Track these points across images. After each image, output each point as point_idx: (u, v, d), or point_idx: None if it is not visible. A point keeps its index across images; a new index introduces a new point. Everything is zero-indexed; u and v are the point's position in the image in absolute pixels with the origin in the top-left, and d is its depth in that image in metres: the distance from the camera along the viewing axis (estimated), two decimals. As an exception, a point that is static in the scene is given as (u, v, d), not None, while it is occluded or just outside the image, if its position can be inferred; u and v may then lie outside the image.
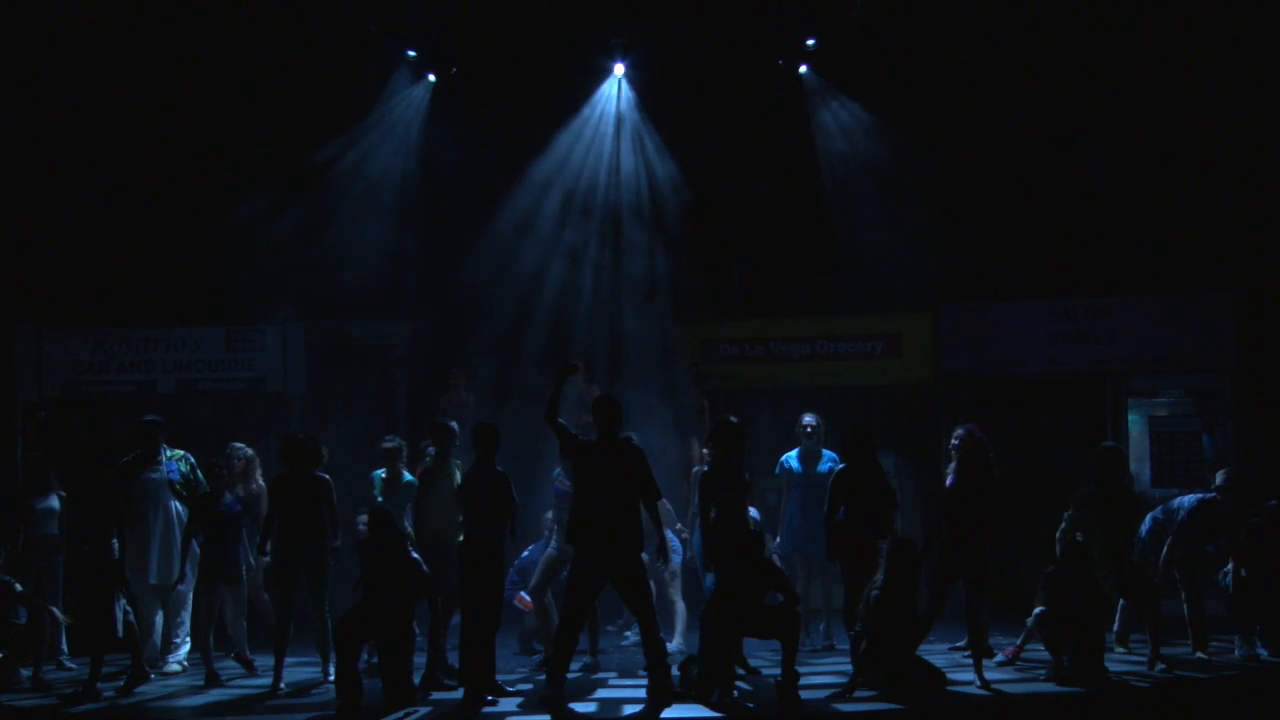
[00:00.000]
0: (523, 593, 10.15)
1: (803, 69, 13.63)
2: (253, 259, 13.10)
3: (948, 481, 9.20)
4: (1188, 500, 9.77)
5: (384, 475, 10.27)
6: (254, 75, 14.19)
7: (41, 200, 13.64)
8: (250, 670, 9.73)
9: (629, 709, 8.10)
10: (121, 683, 8.97)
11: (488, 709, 8.20)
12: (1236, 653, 9.54)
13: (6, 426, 12.82)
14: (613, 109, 13.62)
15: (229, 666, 9.76)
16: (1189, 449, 12.76)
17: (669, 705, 8.07)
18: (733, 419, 9.80)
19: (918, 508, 11.72)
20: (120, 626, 9.11)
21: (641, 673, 8.50)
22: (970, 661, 8.70)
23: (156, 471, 10.28)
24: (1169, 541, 9.58)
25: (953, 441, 9.51)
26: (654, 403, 11.92)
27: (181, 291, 13.39)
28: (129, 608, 9.29)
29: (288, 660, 9.17)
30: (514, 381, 12.38)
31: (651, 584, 9.31)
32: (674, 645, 9.77)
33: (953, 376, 13.10)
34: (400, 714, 8.10)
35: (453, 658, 9.08)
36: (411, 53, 13.39)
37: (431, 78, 13.60)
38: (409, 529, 9.91)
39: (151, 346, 13.07)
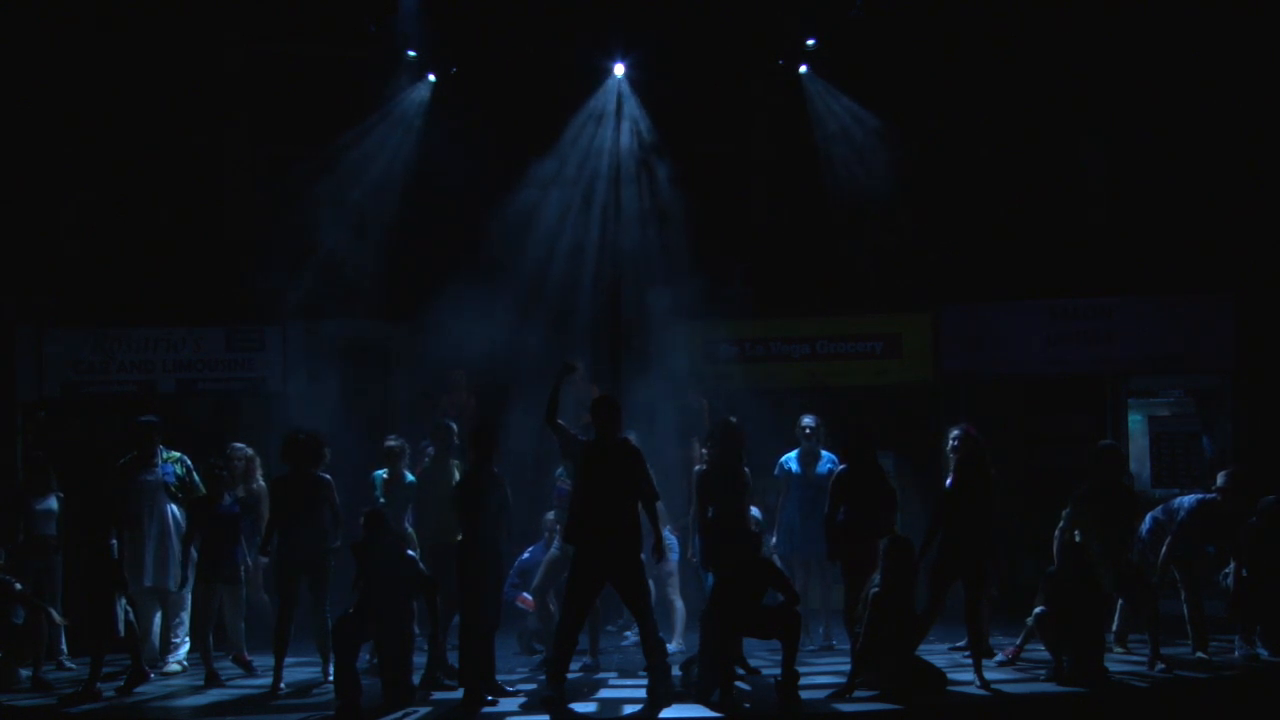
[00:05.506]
0: (525, 593, 10.16)
1: (803, 69, 13.63)
2: (253, 259, 13.09)
3: (946, 482, 9.21)
4: (1188, 500, 9.77)
5: (385, 475, 10.28)
6: (254, 75, 14.18)
7: (41, 200, 13.63)
8: (249, 671, 9.73)
9: (629, 709, 8.12)
10: (121, 683, 8.97)
11: (488, 709, 8.21)
12: (1236, 653, 9.54)
13: (6, 426, 12.81)
14: (612, 109, 13.61)
15: (228, 667, 9.76)
16: (1189, 449, 12.78)
17: (669, 705, 8.08)
18: (731, 419, 9.82)
19: (918, 508, 11.70)
20: (121, 626, 9.11)
21: (641, 673, 8.51)
22: (970, 661, 8.71)
23: (152, 473, 10.27)
24: (1168, 541, 9.59)
25: (950, 443, 9.52)
26: (654, 403, 11.91)
27: (181, 291, 13.39)
28: (129, 608, 9.30)
29: (288, 660, 9.17)
30: (515, 382, 12.36)
31: (651, 584, 9.33)
32: (674, 646, 9.77)
33: (953, 376, 13.11)
34: (400, 714, 8.11)
35: (453, 658, 9.08)
36: (411, 53, 13.39)
37: (431, 78, 13.60)
38: (410, 529, 9.91)
39: (151, 346, 13.08)
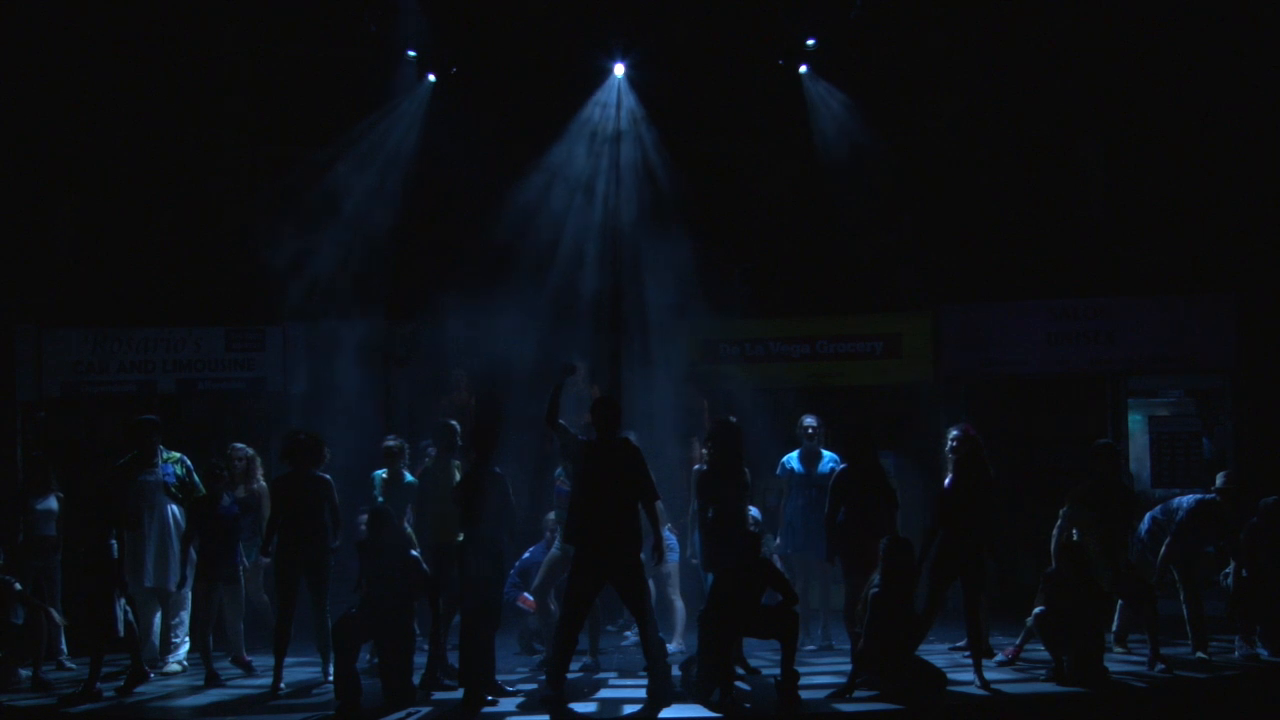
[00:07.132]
0: (526, 594, 10.17)
1: (803, 69, 13.64)
2: (253, 259, 13.09)
3: (946, 482, 9.21)
4: (1187, 500, 9.77)
5: (385, 475, 10.28)
6: (254, 75, 14.18)
7: (41, 199, 13.63)
8: (249, 671, 9.73)
9: (629, 709, 8.12)
10: (121, 683, 8.97)
11: (488, 709, 8.21)
12: (1236, 653, 9.55)
13: (6, 426, 12.81)
14: (612, 109, 13.61)
15: (228, 667, 9.76)
16: (1189, 449, 12.77)
17: (669, 705, 8.08)
18: (731, 419, 9.83)
19: (918, 508, 11.72)
20: (121, 626, 9.11)
21: (641, 673, 8.51)
22: (970, 661, 8.71)
23: (152, 473, 10.24)
24: (1167, 541, 9.59)
25: (949, 443, 9.52)
26: (654, 403, 11.91)
27: (181, 291, 13.39)
28: (129, 608, 9.30)
29: (288, 660, 9.17)
30: (515, 382, 12.36)
31: (651, 584, 9.33)
32: (674, 646, 9.77)
33: (952, 376, 13.11)
34: (400, 714, 8.11)
35: (453, 658, 9.08)
36: (411, 53, 13.40)
37: (431, 78, 13.60)
38: (410, 529, 9.92)
39: (151, 346, 13.09)
